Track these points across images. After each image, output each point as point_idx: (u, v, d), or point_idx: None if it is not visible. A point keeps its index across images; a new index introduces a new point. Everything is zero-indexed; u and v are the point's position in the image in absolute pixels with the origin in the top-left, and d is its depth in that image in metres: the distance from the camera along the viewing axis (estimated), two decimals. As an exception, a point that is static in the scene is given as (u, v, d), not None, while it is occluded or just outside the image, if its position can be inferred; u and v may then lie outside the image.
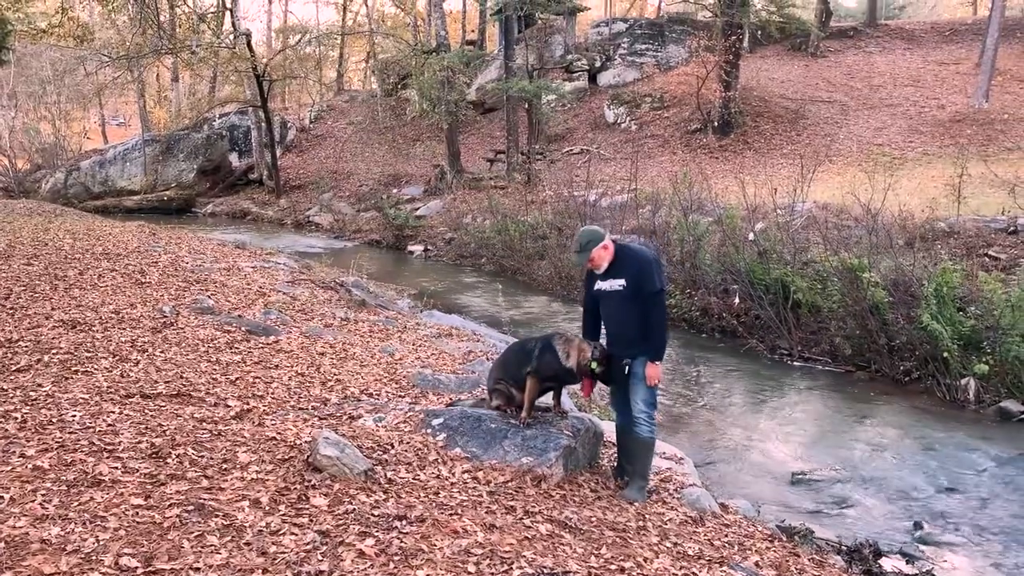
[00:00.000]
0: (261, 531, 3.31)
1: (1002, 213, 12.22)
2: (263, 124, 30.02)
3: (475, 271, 17.86)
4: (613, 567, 3.71)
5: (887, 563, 5.38)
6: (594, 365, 4.94)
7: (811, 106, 25.23)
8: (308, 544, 3.26)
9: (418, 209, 23.07)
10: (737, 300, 11.73)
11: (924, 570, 5.31)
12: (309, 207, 27.06)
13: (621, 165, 21.42)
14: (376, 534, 3.46)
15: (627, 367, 4.99)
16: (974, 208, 12.44)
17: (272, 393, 5.79)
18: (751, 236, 12.42)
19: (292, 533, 3.33)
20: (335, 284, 11.79)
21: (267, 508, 3.55)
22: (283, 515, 3.50)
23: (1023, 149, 14.07)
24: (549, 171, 22.48)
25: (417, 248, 20.71)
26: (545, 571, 3.42)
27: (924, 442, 7.85)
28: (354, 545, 3.31)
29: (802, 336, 10.73)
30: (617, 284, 4.96)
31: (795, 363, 10.47)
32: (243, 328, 7.62)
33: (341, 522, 3.53)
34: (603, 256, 5.00)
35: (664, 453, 5.90)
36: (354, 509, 3.69)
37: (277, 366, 6.59)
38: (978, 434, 8.03)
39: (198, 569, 2.94)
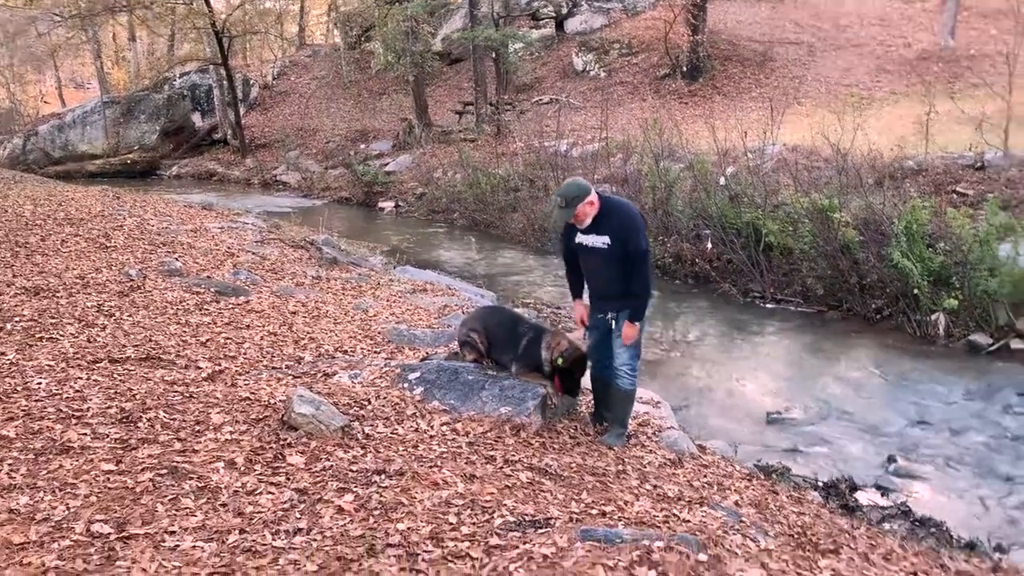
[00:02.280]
0: (237, 492, 3.27)
1: (969, 149, 12.27)
2: (225, 82, 29.29)
3: (447, 226, 17.71)
4: (594, 511, 3.72)
5: (863, 496, 5.49)
6: (560, 361, 4.96)
7: (779, 48, 25.04)
8: (285, 503, 3.23)
9: (387, 165, 22.72)
10: (709, 245, 11.75)
11: (898, 502, 5.42)
12: (276, 166, 26.57)
13: (591, 113, 21.20)
14: (355, 490, 3.43)
15: (612, 321, 4.90)
16: (942, 145, 12.46)
17: (244, 353, 5.71)
18: (722, 181, 12.39)
19: (269, 492, 3.30)
20: (305, 243, 11.63)
21: (242, 468, 3.51)
22: (259, 475, 3.46)
23: (989, 85, 14.11)
24: (519, 122, 22.20)
25: (388, 204, 20.46)
26: (526, 518, 3.42)
27: (895, 378, 7.97)
28: (332, 502, 3.29)
29: (774, 278, 10.79)
30: (600, 241, 4.72)
31: (768, 305, 10.55)
32: (212, 289, 7.49)
33: (319, 479, 3.50)
34: (588, 212, 4.68)
35: (641, 398, 5.92)
36: (332, 466, 3.66)
37: (248, 326, 6.51)
38: (948, 368, 8.16)
39: (173, 532, 2.90)
